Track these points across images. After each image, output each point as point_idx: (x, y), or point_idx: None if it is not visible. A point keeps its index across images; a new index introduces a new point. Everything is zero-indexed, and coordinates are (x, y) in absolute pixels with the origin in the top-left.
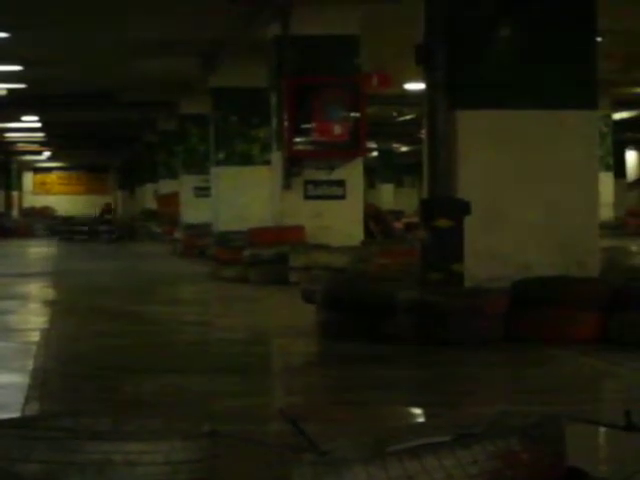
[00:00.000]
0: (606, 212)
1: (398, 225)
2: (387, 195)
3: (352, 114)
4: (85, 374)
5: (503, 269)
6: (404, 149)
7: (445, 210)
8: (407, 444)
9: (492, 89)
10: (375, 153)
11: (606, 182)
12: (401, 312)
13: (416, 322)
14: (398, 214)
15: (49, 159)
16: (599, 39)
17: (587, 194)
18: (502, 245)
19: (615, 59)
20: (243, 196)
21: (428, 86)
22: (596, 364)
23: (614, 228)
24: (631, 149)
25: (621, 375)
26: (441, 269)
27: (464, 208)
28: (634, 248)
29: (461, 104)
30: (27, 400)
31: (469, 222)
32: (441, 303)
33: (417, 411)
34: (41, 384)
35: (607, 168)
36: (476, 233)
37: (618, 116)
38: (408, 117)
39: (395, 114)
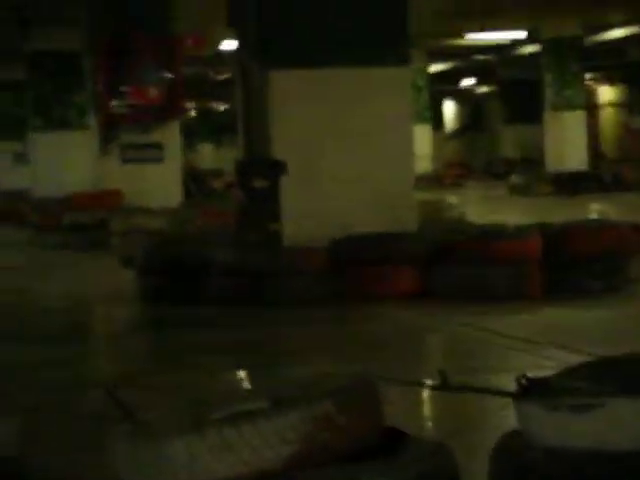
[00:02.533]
0: (425, 164)
1: (218, 184)
2: (207, 155)
3: (167, 76)
4: None
5: (322, 228)
6: (222, 108)
7: (260, 170)
8: (226, 411)
9: (303, 48)
10: (194, 113)
11: (423, 135)
12: (219, 274)
13: (234, 283)
14: (218, 173)
15: None
16: None
17: (401, 150)
18: (320, 204)
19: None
20: (62, 162)
21: (240, 47)
22: (416, 319)
23: (433, 180)
24: (448, 100)
25: (438, 329)
26: (258, 229)
27: (280, 168)
28: (451, 200)
29: (273, 64)
30: None
31: (286, 182)
32: (257, 263)
33: (240, 375)
34: None
35: (424, 121)
36: (293, 193)
37: (435, 68)
38: (225, 76)
39: (212, 73)
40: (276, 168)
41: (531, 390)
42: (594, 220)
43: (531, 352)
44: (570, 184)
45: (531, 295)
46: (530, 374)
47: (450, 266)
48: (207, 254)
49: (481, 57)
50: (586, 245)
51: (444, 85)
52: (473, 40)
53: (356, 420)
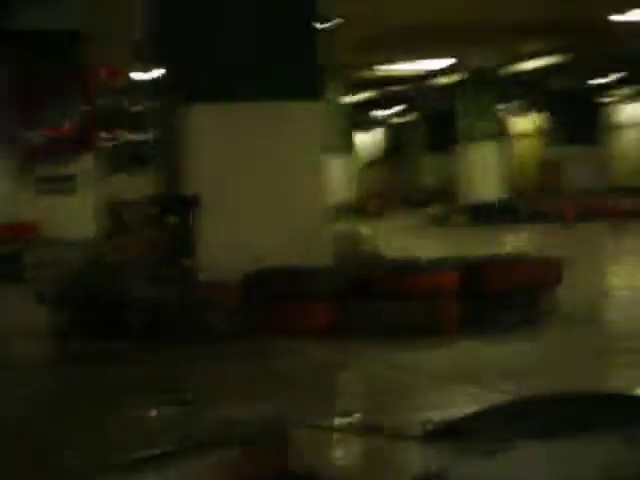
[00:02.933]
0: (346, 193)
1: (137, 215)
2: (121, 185)
3: (80, 107)
4: None
5: (237, 262)
6: (138, 138)
7: (174, 205)
8: (136, 455)
9: (216, 82)
10: (112, 143)
11: (344, 164)
12: (133, 309)
13: (148, 319)
14: (136, 204)
15: None
16: (326, 25)
17: (314, 183)
18: (234, 238)
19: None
20: None
21: (154, 80)
22: (329, 355)
23: (352, 208)
24: (369, 129)
25: (351, 366)
26: (174, 264)
27: (194, 202)
28: (367, 231)
29: (186, 98)
30: None
31: (201, 216)
32: (171, 298)
33: (151, 414)
34: None
35: (344, 150)
36: (208, 226)
37: (354, 98)
38: (139, 107)
39: (127, 104)
40: (190, 203)
41: (439, 434)
42: (508, 254)
43: (443, 389)
44: (485, 215)
45: (446, 330)
46: (437, 418)
47: (364, 301)
48: (121, 288)
49: (400, 87)
50: (500, 279)
51: (364, 114)
52: (392, 70)
53: (262, 466)
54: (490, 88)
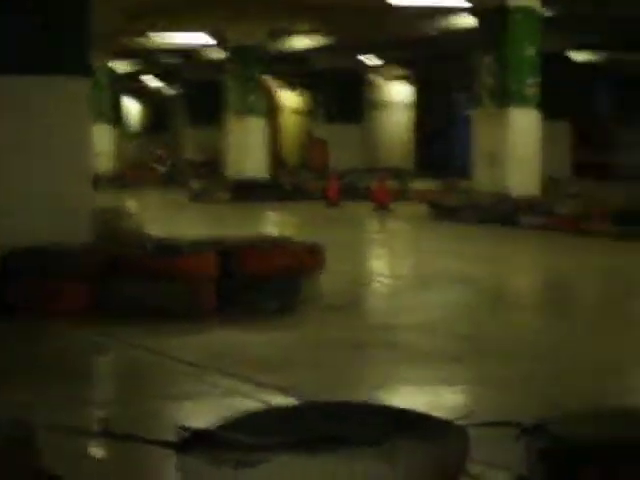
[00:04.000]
0: (106, 163)
1: None
2: None
3: None
4: None
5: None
6: None
7: None
8: None
9: None
10: None
11: (105, 134)
12: None
13: None
14: None
15: None
16: None
17: (78, 161)
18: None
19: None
20: None
21: None
22: (87, 338)
23: (115, 180)
24: (133, 99)
25: (108, 350)
26: None
27: None
28: (130, 207)
29: None
30: None
31: None
32: None
33: None
34: None
35: (106, 120)
36: None
37: (120, 67)
38: None
39: None
40: None
41: (194, 442)
42: (269, 238)
43: (199, 378)
44: (249, 191)
45: (205, 313)
46: (191, 424)
47: (124, 282)
48: None
49: (167, 60)
50: (260, 264)
51: (129, 83)
52: (160, 42)
53: (4, 469)
54: (256, 65)
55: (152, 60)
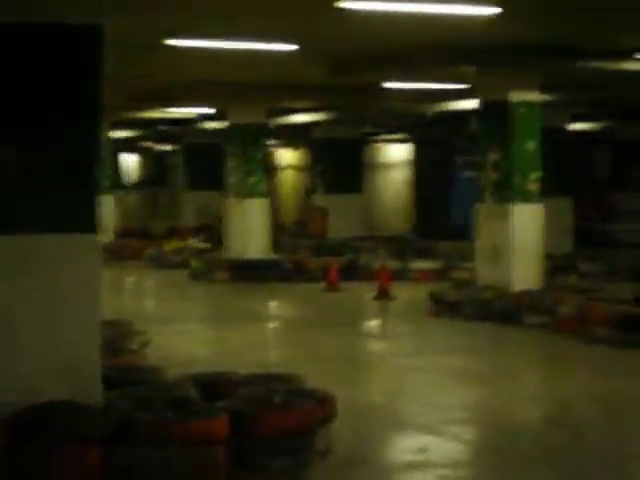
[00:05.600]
0: (108, 236)
1: None
2: None
3: None
4: None
5: (9, 396)
6: None
7: None
8: None
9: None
10: None
11: (109, 206)
12: None
13: None
14: None
15: None
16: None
17: (88, 318)
18: (8, 372)
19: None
20: None
21: None
22: None
23: (113, 253)
24: (130, 155)
25: None
26: None
27: None
28: (134, 325)
29: None
30: None
31: None
32: None
33: None
34: None
35: (106, 192)
36: None
37: (119, 134)
38: None
39: None
40: None
41: None
42: (283, 395)
43: None
44: (249, 271)
45: (215, 477)
46: None
47: (133, 446)
48: None
49: (167, 127)
50: (273, 424)
51: (127, 145)
52: (159, 114)
53: None
54: (257, 144)
55: (151, 128)
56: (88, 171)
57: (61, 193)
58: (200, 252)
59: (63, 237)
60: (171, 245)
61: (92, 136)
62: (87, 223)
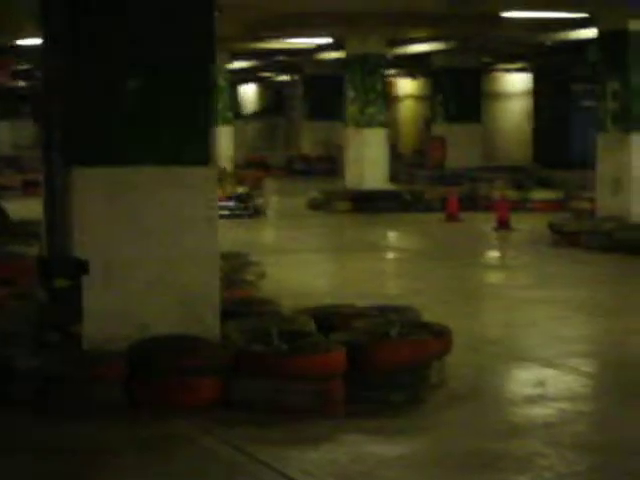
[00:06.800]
0: (227, 165)
1: None
2: None
3: None
4: None
5: (121, 329)
6: None
7: (62, 269)
8: None
9: (106, 146)
10: None
11: (226, 136)
12: (19, 377)
13: (34, 389)
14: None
15: None
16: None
17: (205, 250)
18: (120, 304)
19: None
20: None
21: (43, 144)
22: (219, 451)
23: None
24: (249, 85)
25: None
26: (59, 330)
27: (81, 267)
28: (250, 256)
29: (76, 161)
30: None
31: (87, 281)
32: (55, 369)
33: None
34: None
35: (226, 122)
36: (94, 292)
37: (238, 65)
38: None
39: None
40: (78, 267)
41: None
42: (394, 314)
43: None
44: (368, 202)
45: (333, 413)
46: None
47: (251, 379)
48: (5, 355)
49: (286, 58)
50: (389, 358)
51: (247, 75)
52: (279, 44)
53: None
54: (376, 74)
55: (270, 59)
56: (203, 103)
57: (175, 125)
58: None
59: (178, 169)
60: None
61: (206, 67)
62: (202, 155)
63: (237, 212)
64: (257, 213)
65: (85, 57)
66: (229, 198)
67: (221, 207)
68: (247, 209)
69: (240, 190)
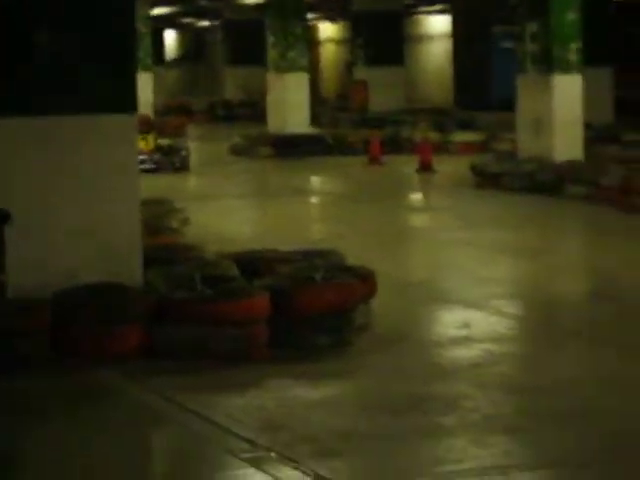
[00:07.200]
0: (147, 111)
1: None
2: None
3: None
4: None
5: (47, 278)
6: None
7: None
8: None
9: (26, 95)
10: None
11: (147, 82)
12: None
13: None
14: None
15: None
16: None
17: (127, 199)
18: (44, 252)
19: None
20: None
21: None
22: (147, 400)
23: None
24: (169, 31)
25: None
26: None
27: (4, 217)
28: (174, 202)
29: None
30: None
31: (11, 231)
32: None
33: None
34: None
35: (146, 69)
36: (18, 241)
37: (158, 11)
38: None
39: None
40: (1, 217)
41: None
42: (321, 274)
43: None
44: (291, 146)
45: (256, 355)
46: None
47: (175, 326)
48: None
49: (207, 3)
50: (313, 302)
51: (167, 21)
52: None
53: None
54: (296, 18)
55: (191, 4)
56: (123, 49)
57: (96, 73)
58: None
59: (99, 117)
60: None
61: (126, 13)
62: (124, 102)
63: (162, 166)
64: (182, 167)
65: None
66: (153, 151)
67: (145, 161)
68: (172, 163)
69: (164, 143)
